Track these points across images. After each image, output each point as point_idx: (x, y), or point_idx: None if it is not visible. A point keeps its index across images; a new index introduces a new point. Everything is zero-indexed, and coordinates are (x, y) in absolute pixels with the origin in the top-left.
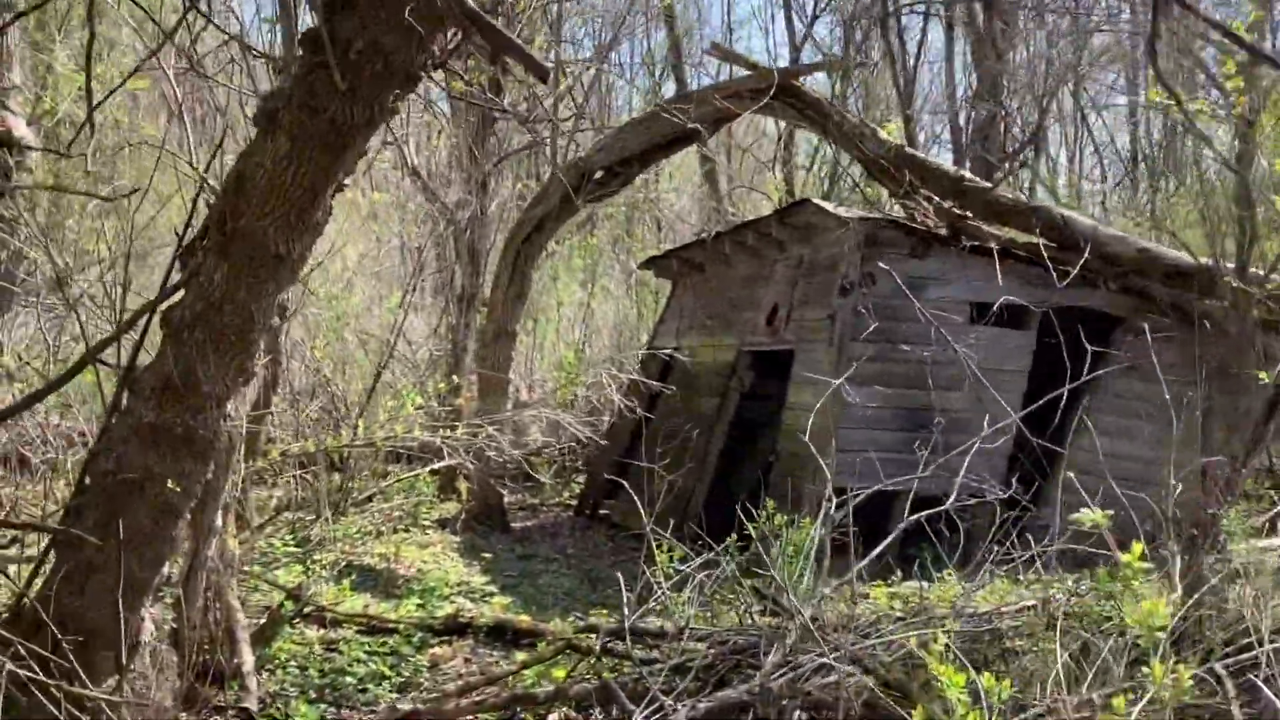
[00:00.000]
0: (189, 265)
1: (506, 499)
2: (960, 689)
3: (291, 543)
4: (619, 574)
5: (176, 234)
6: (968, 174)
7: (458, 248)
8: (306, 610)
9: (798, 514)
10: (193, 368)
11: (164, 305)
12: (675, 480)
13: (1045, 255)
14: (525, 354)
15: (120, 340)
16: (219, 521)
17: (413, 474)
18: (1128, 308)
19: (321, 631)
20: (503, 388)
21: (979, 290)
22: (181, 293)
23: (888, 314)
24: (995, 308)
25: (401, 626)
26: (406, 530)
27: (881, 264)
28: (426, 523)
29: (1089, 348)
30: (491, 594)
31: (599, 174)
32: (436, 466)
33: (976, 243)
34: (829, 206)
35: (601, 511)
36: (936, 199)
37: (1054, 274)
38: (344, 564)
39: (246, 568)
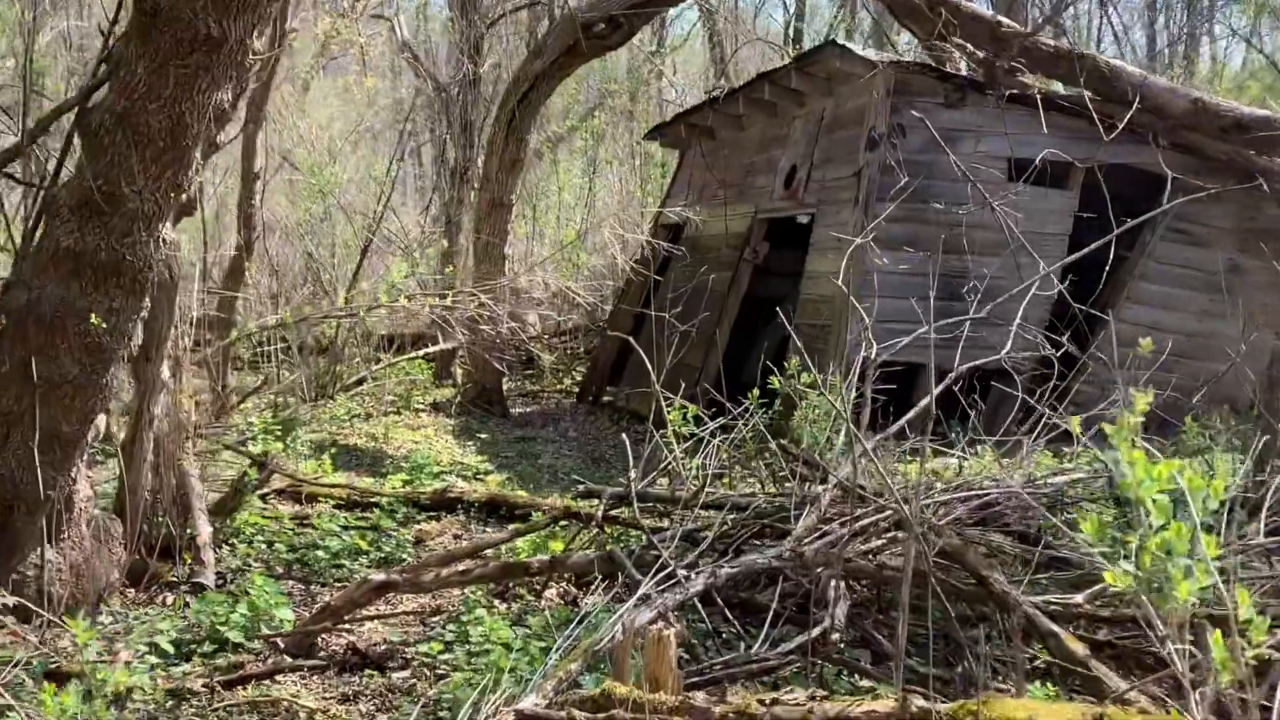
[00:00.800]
0: (112, 57)
1: (506, 385)
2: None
3: (273, 423)
4: (625, 444)
5: (101, 30)
6: (1004, 18)
7: (449, 119)
8: (280, 484)
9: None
10: (115, 181)
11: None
12: (684, 351)
13: (1091, 107)
14: (525, 241)
15: (32, 151)
16: (166, 374)
17: (405, 358)
18: (1179, 166)
19: (296, 507)
20: (499, 256)
21: (1018, 145)
22: (104, 90)
23: (918, 171)
24: (1036, 163)
25: (384, 501)
26: (398, 413)
27: (914, 113)
28: (419, 406)
29: (1136, 211)
30: (487, 472)
31: (600, 26)
32: (431, 350)
33: (1015, 91)
34: (855, 48)
35: (605, 398)
36: (969, 46)
37: (1100, 128)
38: (328, 443)
39: (217, 439)
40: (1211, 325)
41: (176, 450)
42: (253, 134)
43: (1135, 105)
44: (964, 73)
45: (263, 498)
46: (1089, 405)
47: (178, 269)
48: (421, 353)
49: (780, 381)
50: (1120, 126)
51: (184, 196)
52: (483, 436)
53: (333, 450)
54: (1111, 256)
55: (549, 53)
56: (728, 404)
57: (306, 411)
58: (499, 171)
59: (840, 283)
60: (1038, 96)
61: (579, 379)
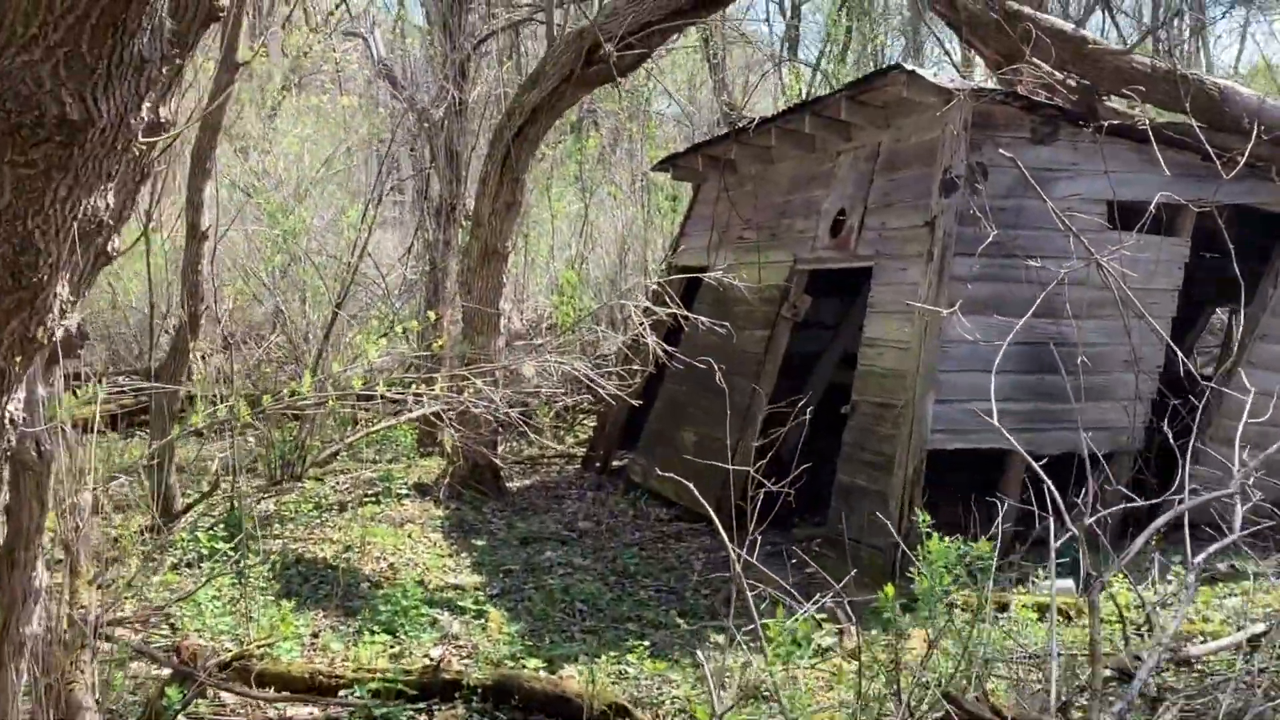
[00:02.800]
0: None
1: (499, 447)
2: None
3: (220, 535)
4: (652, 552)
5: None
6: (1090, 33)
7: (433, 149)
8: (226, 663)
9: (888, 484)
10: None
11: None
12: (713, 424)
13: (1203, 138)
14: (515, 274)
15: None
16: (41, 577)
17: (384, 424)
18: None
19: (242, 699)
20: (493, 324)
21: (1119, 185)
22: None
23: (1003, 219)
24: (1152, 209)
25: (359, 692)
26: (376, 502)
27: (1003, 151)
28: (402, 491)
29: (1256, 259)
30: (487, 603)
31: (608, 47)
32: (414, 415)
33: (1114, 122)
34: (926, 74)
35: (615, 463)
36: (1047, 68)
37: (1217, 163)
38: (291, 558)
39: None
40: None
41: (63, 671)
42: (200, 185)
43: (1255, 134)
44: (1052, 101)
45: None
46: (1203, 491)
47: (52, 443)
48: (404, 418)
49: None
50: (1242, 161)
51: (46, 347)
52: (478, 543)
53: (295, 571)
54: (1228, 314)
55: (548, 80)
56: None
57: (271, 500)
58: (492, 215)
59: (915, 354)
60: (1146, 128)
61: (583, 438)
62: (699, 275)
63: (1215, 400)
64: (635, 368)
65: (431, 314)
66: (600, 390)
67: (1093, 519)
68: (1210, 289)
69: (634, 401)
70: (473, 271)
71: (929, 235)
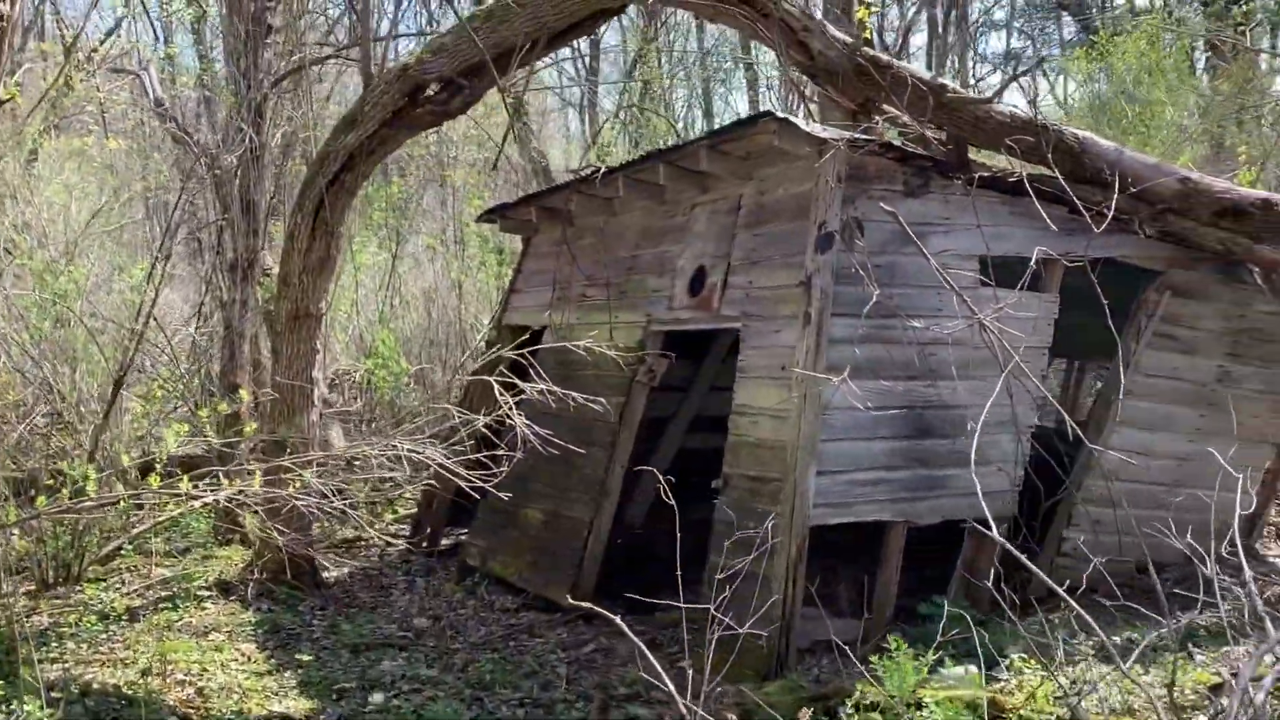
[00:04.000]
0: None
1: (312, 527)
2: None
3: None
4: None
5: None
6: (949, 82)
7: (223, 198)
8: None
9: (769, 565)
10: None
11: None
12: (562, 501)
13: (1070, 191)
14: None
15: None
16: None
17: (175, 509)
18: (1165, 258)
19: None
20: (306, 397)
21: (991, 240)
22: None
23: (878, 277)
24: (1034, 264)
25: None
26: (173, 606)
27: (883, 205)
28: (203, 592)
29: (1121, 314)
30: None
31: (434, 88)
32: (210, 499)
33: (987, 174)
34: (800, 122)
35: (444, 541)
36: (904, 116)
37: (1087, 216)
38: (76, 690)
39: None
40: (1203, 446)
41: None
42: None
43: (1119, 188)
44: (925, 152)
45: None
46: (1078, 554)
47: None
48: (199, 501)
49: None
50: (1110, 214)
51: None
52: (303, 657)
53: (82, 707)
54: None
55: (367, 122)
56: None
57: (43, 618)
58: (303, 273)
59: (794, 423)
60: (1018, 179)
61: (404, 513)
62: (539, 335)
63: (1084, 461)
64: (500, 452)
65: (243, 393)
66: (459, 481)
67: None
68: (1075, 346)
69: (502, 495)
70: (281, 337)
71: (804, 295)
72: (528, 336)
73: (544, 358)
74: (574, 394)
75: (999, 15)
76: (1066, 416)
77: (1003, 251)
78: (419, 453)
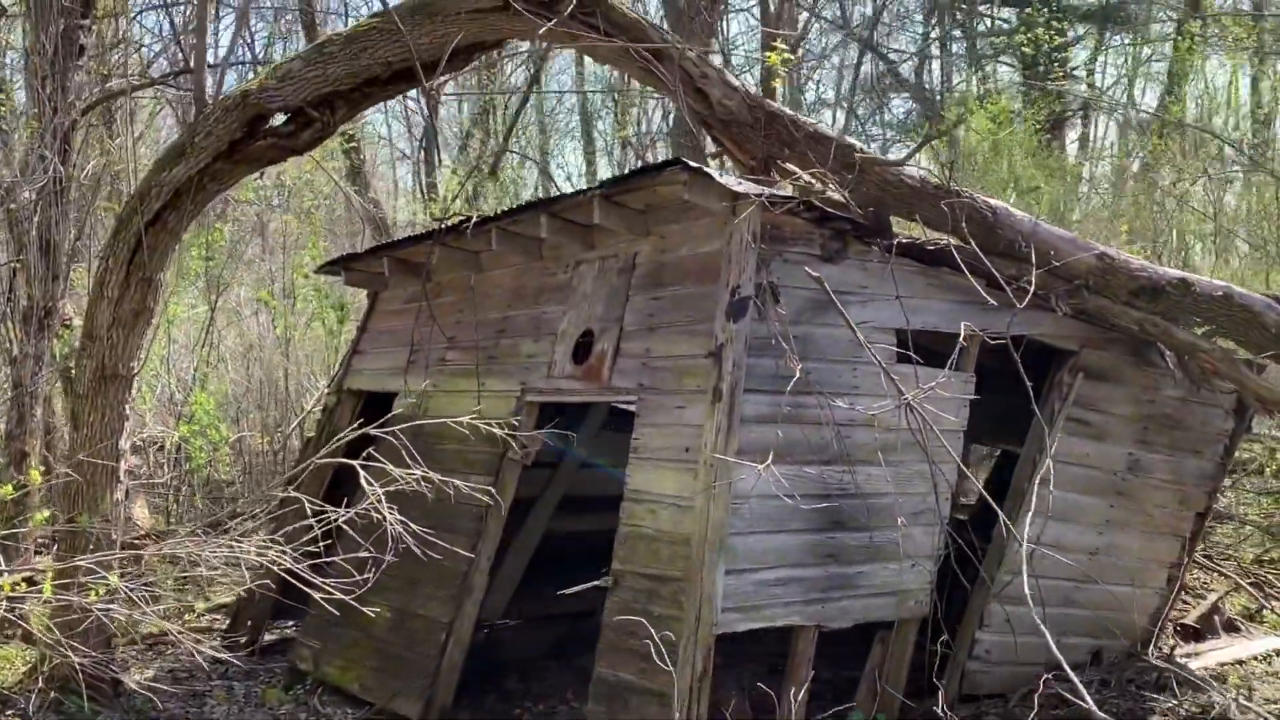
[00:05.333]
0: None
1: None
2: None
3: None
4: None
5: None
6: (857, 141)
7: (18, 237)
8: None
9: (668, 680)
10: None
11: None
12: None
13: (988, 261)
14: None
15: None
16: None
17: None
18: (1077, 337)
19: None
20: (111, 474)
21: (911, 312)
22: None
23: (794, 348)
24: (963, 340)
25: None
26: None
27: (809, 270)
28: None
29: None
30: None
31: (282, 118)
32: None
33: (906, 240)
34: (714, 173)
35: (268, 637)
36: (804, 175)
37: (1009, 290)
38: None
39: None
40: (1113, 538)
41: None
42: None
43: (1036, 262)
44: (845, 214)
45: None
46: (991, 657)
47: None
48: None
49: None
50: (1031, 289)
51: None
52: None
53: None
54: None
55: (199, 155)
56: None
57: None
58: (114, 327)
59: (700, 514)
60: (943, 248)
61: (219, 602)
62: (387, 401)
63: (997, 555)
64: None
65: (34, 473)
66: (309, 590)
67: None
68: (983, 428)
69: (372, 610)
70: (84, 400)
71: (714, 367)
72: (367, 403)
73: (393, 424)
74: (431, 474)
75: (828, 94)
76: (998, 509)
77: (920, 324)
78: (260, 557)
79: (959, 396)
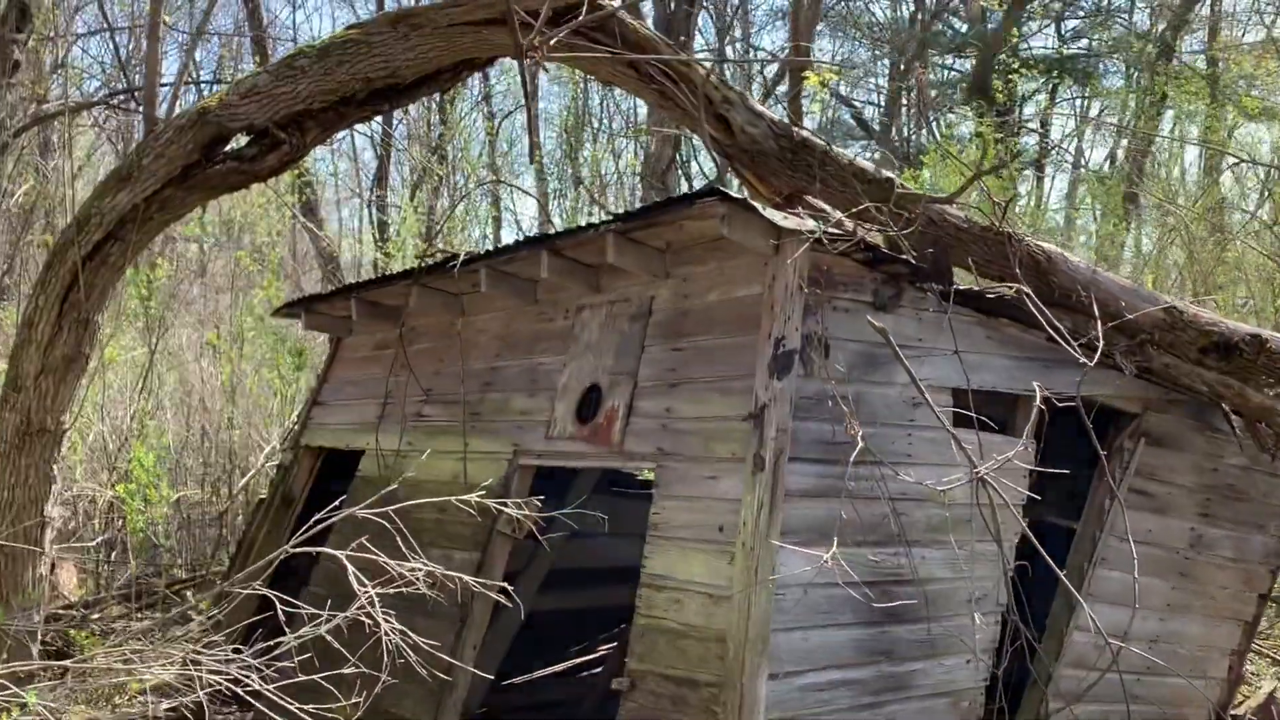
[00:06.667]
0: None
1: None
2: None
3: None
4: None
5: None
6: (895, 175)
7: None
8: None
9: None
10: None
11: None
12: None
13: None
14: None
15: None
16: None
17: None
18: (1140, 399)
19: None
20: (30, 554)
21: (970, 369)
22: None
23: (839, 412)
24: (1038, 403)
25: None
26: None
27: (870, 319)
28: None
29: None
30: None
31: (245, 139)
32: None
33: (964, 288)
34: (758, 205)
35: None
36: (833, 211)
37: (1073, 347)
38: None
39: None
40: (1175, 624)
41: None
42: None
43: (1097, 314)
44: (900, 255)
45: None
46: None
47: None
48: None
49: None
50: (1100, 345)
51: None
52: None
53: None
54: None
55: (147, 179)
56: None
57: None
58: (43, 375)
59: (738, 609)
60: (1024, 296)
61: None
62: (352, 460)
63: (1055, 645)
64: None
65: None
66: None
67: None
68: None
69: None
70: (4, 459)
71: (754, 431)
72: (327, 460)
73: (359, 492)
74: (419, 564)
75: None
76: (1073, 590)
77: (978, 384)
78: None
79: (1023, 466)
